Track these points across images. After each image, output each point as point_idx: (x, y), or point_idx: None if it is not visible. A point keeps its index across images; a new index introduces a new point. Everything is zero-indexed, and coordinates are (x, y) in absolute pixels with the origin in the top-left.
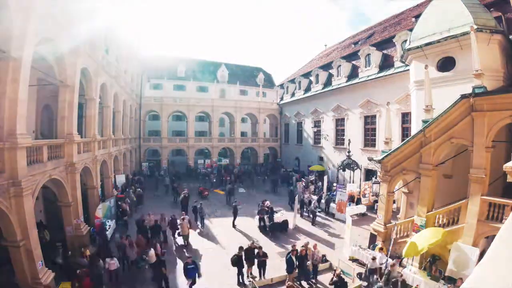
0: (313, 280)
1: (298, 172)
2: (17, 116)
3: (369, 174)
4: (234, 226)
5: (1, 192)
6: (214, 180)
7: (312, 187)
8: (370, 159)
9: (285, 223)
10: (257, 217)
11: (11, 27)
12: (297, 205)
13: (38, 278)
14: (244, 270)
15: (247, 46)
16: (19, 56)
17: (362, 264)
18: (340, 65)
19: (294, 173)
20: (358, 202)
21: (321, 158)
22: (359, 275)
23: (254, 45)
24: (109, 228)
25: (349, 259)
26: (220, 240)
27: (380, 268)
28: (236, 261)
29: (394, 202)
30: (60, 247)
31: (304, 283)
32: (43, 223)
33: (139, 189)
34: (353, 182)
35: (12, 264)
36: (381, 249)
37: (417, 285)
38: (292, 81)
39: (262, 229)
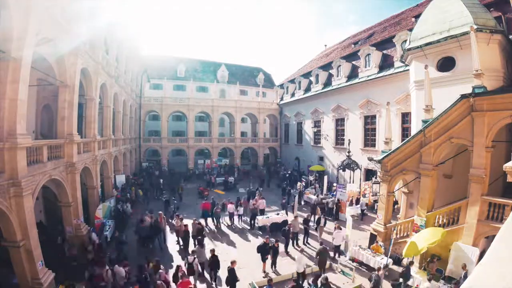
0: None
1: (298, 172)
2: (17, 116)
3: (369, 174)
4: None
5: (1, 192)
6: (213, 182)
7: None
8: (370, 159)
9: (285, 223)
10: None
11: (11, 27)
12: (296, 205)
13: (38, 278)
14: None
15: (247, 46)
16: (19, 56)
17: (363, 264)
18: (340, 65)
19: (295, 173)
20: (358, 202)
21: (321, 158)
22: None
23: (254, 45)
24: (109, 228)
25: (349, 259)
26: (216, 238)
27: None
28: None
29: (396, 203)
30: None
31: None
32: (43, 223)
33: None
34: (353, 182)
35: (12, 264)
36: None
37: (417, 285)
38: (292, 81)
39: (258, 229)
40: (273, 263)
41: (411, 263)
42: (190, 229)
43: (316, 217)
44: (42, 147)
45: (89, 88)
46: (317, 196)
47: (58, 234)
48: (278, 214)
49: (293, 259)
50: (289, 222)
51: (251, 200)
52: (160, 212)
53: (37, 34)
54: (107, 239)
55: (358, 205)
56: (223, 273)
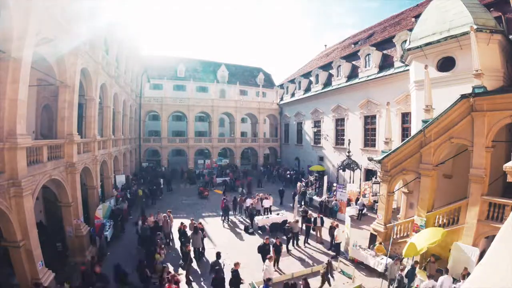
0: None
1: (297, 172)
2: (17, 117)
3: (369, 174)
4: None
5: (1, 192)
6: (212, 183)
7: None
8: (370, 159)
9: (284, 223)
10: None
11: (11, 27)
12: (296, 205)
13: (38, 279)
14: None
15: (247, 46)
16: (19, 56)
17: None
18: (340, 65)
19: (292, 172)
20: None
21: (321, 158)
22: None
23: (254, 45)
24: (109, 228)
25: (349, 259)
26: (216, 239)
27: None
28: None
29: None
30: (60, 247)
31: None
32: (43, 223)
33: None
34: (353, 182)
35: (12, 264)
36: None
37: (417, 285)
38: (292, 81)
39: (258, 229)
40: (276, 262)
41: (416, 262)
42: (187, 229)
43: (318, 218)
44: (42, 147)
45: (89, 88)
46: (321, 196)
47: (57, 235)
48: (278, 214)
49: (295, 258)
50: (288, 223)
51: (248, 200)
52: (165, 214)
53: (37, 34)
54: (107, 239)
55: (357, 205)
56: (226, 275)
